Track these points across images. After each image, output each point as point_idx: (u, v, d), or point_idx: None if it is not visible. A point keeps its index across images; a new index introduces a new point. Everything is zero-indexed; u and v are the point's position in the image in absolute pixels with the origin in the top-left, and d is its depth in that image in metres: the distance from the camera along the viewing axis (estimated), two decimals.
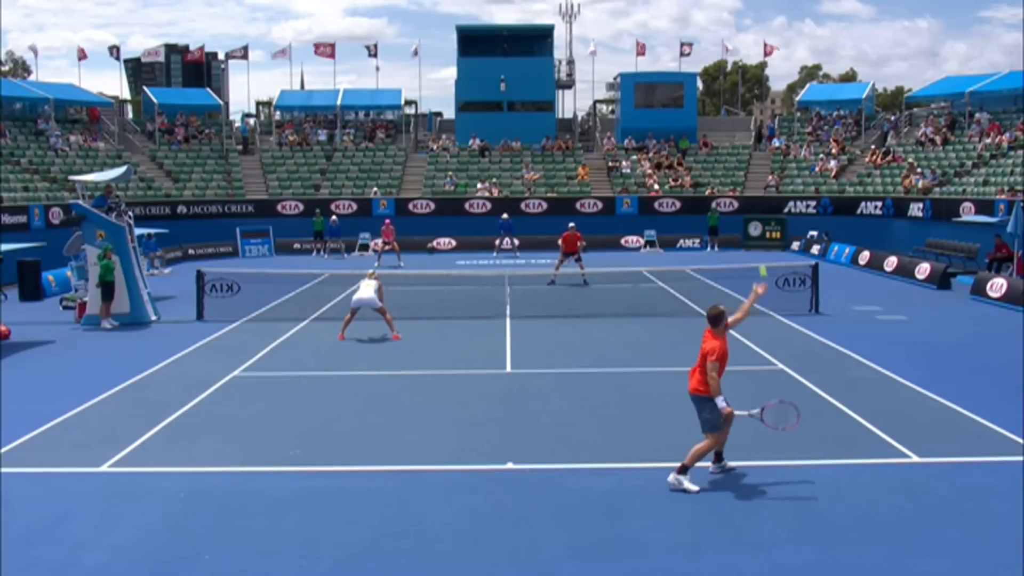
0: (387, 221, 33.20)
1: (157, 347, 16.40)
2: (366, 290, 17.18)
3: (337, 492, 8.92)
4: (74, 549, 7.61)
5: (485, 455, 10.11)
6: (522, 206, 38.84)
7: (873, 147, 40.72)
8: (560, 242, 26.09)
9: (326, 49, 48.13)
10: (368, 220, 36.96)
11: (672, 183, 40.08)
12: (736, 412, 9.11)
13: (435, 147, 43.62)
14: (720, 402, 8.99)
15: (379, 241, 32.97)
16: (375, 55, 49.54)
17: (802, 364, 14.46)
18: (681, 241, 37.30)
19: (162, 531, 7.96)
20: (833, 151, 41.03)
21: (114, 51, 45.07)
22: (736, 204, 38.56)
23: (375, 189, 39.67)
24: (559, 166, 42.00)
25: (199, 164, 40.65)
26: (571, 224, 26.72)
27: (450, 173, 40.92)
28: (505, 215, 35.89)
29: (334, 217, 35.98)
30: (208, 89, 52.70)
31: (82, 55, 42.84)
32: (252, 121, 50.82)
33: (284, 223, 37.66)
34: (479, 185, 40.16)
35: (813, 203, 37.89)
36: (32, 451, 10.29)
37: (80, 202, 19.97)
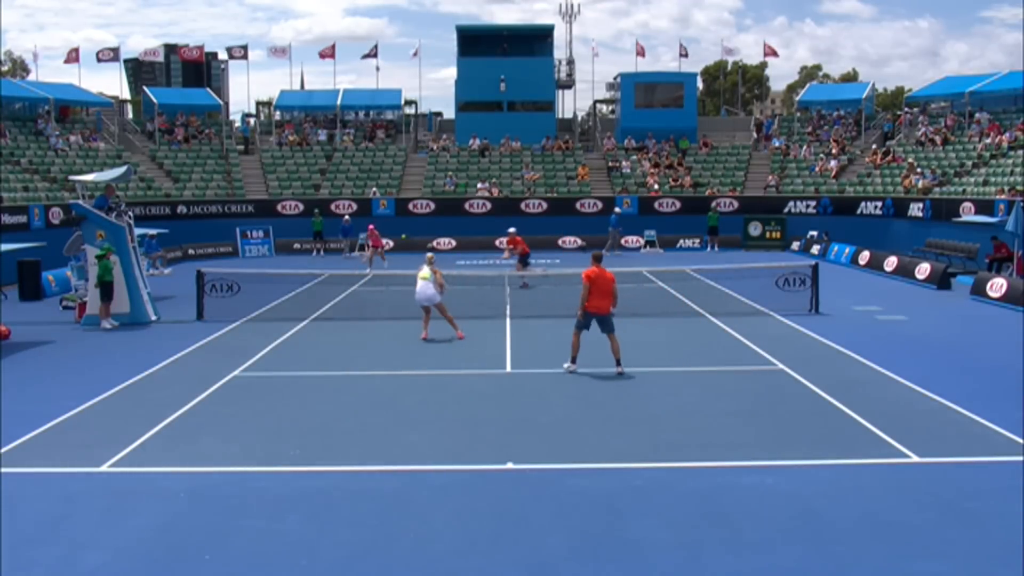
0: (370, 227, 31.42)
1: (157, 347, 16.39)
2: (424, 285, 16.58)
3: (337, 492, 8.92)
4: (74, 549, 7.61)
5: (485, 455, 10.11)
6: (522, 206, 38.86)
7: (874, 147, 40.74)
8: (509, 245, 25.80)
9: (329, 50, 48.17)
10: (368, 220, 36.93)
11: (672, 183, 40.09)
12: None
13: (435, 147, 43.62)
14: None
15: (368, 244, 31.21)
16: (375, 55, 49.54)
17: (802, 364, 14.45)
18: (681, 241, 37.31)
19: (162, 531, 7.96)
20: (833, 151, 41.04)
21: (109, 53, 44.85)
22: (736, 204, 38.57)
23: (375, 189, 39.68)
24: (559, 166, 42.01)
25: (199, 164, 40.66)
26: (511, 229, 26.09)
27: (450, 173, 40.93)
28: (617, 209, 36.31)
29: (347, 217, 35.97)
30: (208, 89, 52.74)
31: (75, 57, 42.61)
32: (252, 121, 50.84)
33: (284, 223, 37.68)
34: (479, 185, 40.17)
35: (813, 203, 37.89)
36: (32, 451, 10.29)
37: (80, 202, 19.98)
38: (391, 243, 36.91)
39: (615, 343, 13.84)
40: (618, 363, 13.86)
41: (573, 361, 14.04)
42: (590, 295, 13.62)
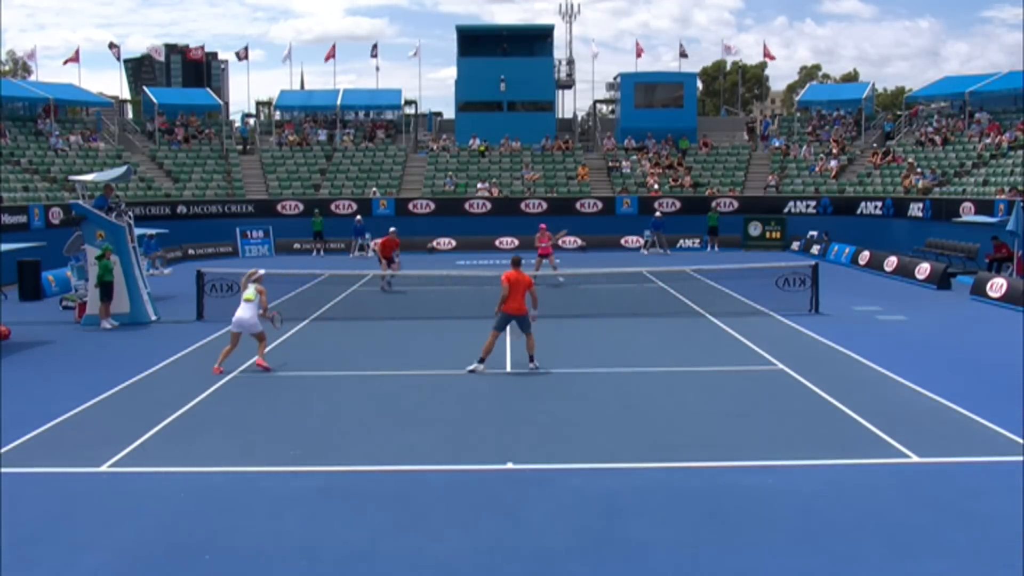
0: (542, 227, 26.41)
1: (157, 347, 16.39)
2: (243, 308, 14.42)
3: (337, 492, 8.92)
4: (74, 549, 7.61)
5: (485, 455, 10.11)
6: (522, 206, 38.86)
7: (874, 147, 40.74)
8: (379, 247, 25.16)
9: (330, 51, 48.26)
10: (368, 220, 36.95)
11: (672, 183, 40.09)
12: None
13: (435, 147, 43.63)
14: (535, 311, 14.36)
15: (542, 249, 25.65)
16: (375, 55, 49.62)
17: (802, 364, 14.45)
18: (681, 241, 37.30)
19: (162, 531, 7.96)
20: (833, 151, 41.04)
21: (114, 49, 45.11)
22: (736, 204, 38.57)
23: (375, 189, 39.68)
24: (559, 166, 42.01)
25: (199, 164, 40.66)
26: (392, 229, 25.66)
27: (450, 173, 40.93)
28: (658, 213, 36.42)
29: (358, 217, 35.95)
30: (208, 89, 52.74)
31: (75, 57, 42.72)
32: (252, 121, 50.85)
33: (284, 223, 37.69)
34: (479, 185, 40.17)
35: (813, 203, 37.89)
36: (32, 451, 10.28)
37: (80, 202, 19.97)
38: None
39: (531, 341, 14.31)
40: (531, 359, 14.30)
41: (481, 362, 14.19)
42: (509, 297, 14.09)
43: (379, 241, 25.67)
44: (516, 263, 14.64)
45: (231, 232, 36.05)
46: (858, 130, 43.04)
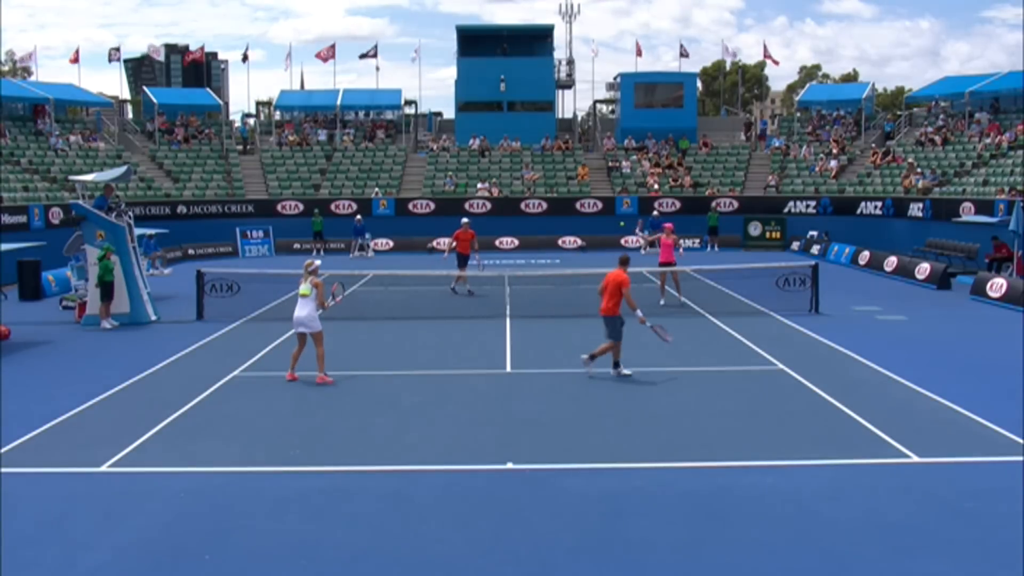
0: (667, 226, 22.43)
1: (157, 347, 16.39)
2: (301, 305, 13.47)
3: (337, 492, 8.91)
4: (74, 549, 7.60)
5: (485, 455, 10.11)
6: (522, 206, 38.85)
7: (874, 147, 40.74)
8: (453, 243, 23.76)
9: (326, 52, 48.01)
10: (368, 220, 36.99)
11: (672, 183, 40.09)
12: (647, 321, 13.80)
13: (435, 147, 43.63)
14: (640, 313, 13.67)
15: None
16: (375, 55, 49.54)
17: (802, 364, 14.45)
18: (681, 241, 37.21)
19: (162, 531, 7.96)
20: (833, 151, 41.03)
21: (116, 54, 45.24)
22: (736, 204, 38.57)
23: (375, 189, 39.69)
24: (559, 166, 42.01)
25: (199, 164, 40.66)
26: (464, 220, 24.37)
27: (450, 173, 40.93)
28: (656, 212, 36.09)
29: (358, 217, 36.02)
30: (208, 89, 52.76)
31: (75, 58, 42.80)
32: (252, 121, 50.86)
33: (284, 223, 37.71)
34: (479, 185, 40.17)
35: (813, 203, 37.89)
36: (32, 451, 10.28)
37: (80, 202, 19.97)
38: (390, 243, 36.97)
39: (605, 346, 13.68)
40: (615, 364, 13.79)
41: (590, 359, 13.75)
42: (601, 297, 13.78)
43: (455, 236, 23.44)
44: (622, 262, 13.96)
45: (231, 232, 36.06)
46: (858, 130, 43.04)
